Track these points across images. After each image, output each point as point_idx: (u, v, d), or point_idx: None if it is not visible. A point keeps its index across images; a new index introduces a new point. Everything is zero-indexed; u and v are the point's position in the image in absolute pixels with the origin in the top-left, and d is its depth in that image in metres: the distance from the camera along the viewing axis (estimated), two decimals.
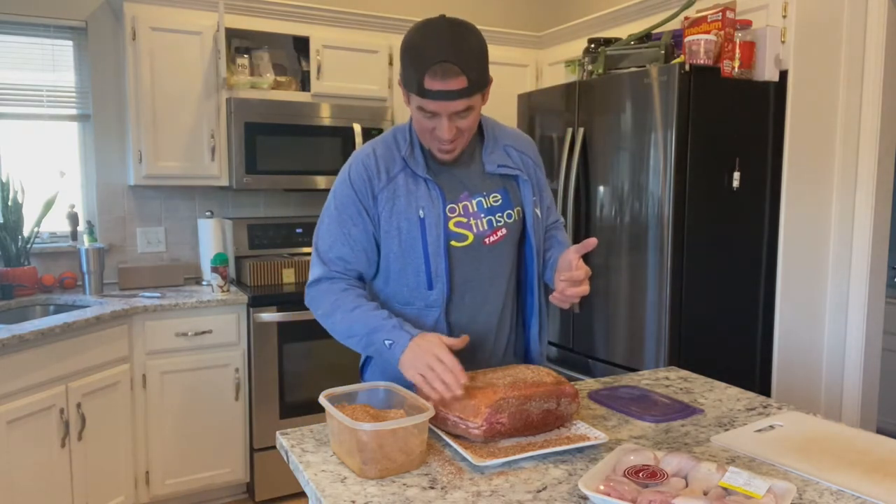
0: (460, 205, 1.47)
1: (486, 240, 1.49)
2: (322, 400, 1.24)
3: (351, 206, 1.46)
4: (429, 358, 1.27)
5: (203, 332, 2.91)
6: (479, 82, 1.34)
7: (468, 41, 1.31)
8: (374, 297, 1.55)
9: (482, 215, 1.49)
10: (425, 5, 3.94)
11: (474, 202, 1.48)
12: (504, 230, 1.51)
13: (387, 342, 1.35)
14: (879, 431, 3.06)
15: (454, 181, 1.48)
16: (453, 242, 1.46)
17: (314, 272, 1.50)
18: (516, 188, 1.53)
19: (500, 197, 1.51)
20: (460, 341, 1.34)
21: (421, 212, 1.43)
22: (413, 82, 1.32)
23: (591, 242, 1.36)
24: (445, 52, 1.29)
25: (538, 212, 1.55)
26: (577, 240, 2.77)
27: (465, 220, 1.47)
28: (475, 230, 1.48)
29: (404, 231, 1.44)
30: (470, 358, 1.52)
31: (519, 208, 1.54)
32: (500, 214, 1.50)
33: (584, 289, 1.38)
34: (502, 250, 1.52)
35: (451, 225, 1.46)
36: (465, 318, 1.52)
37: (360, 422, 1.14)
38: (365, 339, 1.39)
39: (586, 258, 2.72)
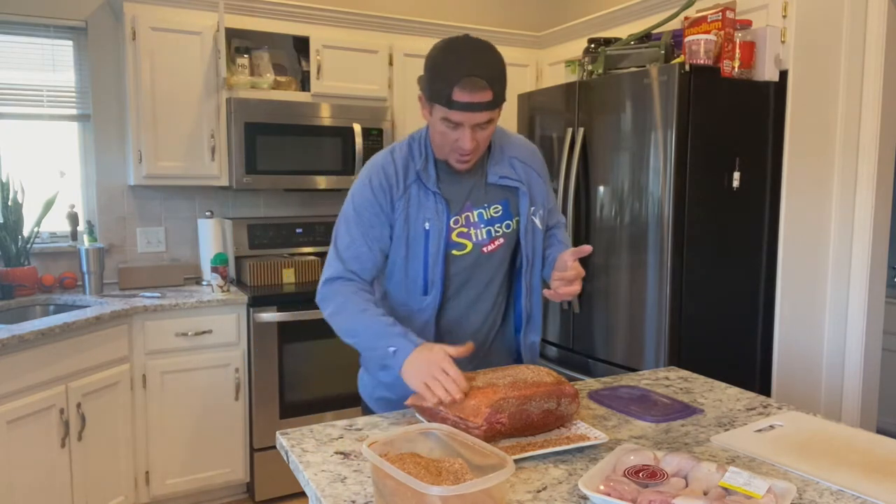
0: (463, 216, 1.56)
1: (484, 249, 1.58)
2: (367, 451, 1.00)
3: (370, 207, 1.53)
4: (434, 369, 1.31)
5: (203, 332, 2.91)
6: (502, 96, 1.43)
7: (494, 58, 1.41)
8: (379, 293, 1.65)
9: (482, 226, 1.58)
10: (425, 5, 3.94)
11: (476, 213, 1.57)
12: (502, 239, 1.60)
13: (391, 349, 1.40)
14: (879, 431, 3.06)
15: (460, 193, 1.56)
16: (454, 252, 1.56)
17: (330, 270, 1.56)
18: (516, 199, 1.61)
19: (500, 208, 1.59)
20: (465, 349, 1.37)
21: (427, 224, 1.52)
22: (441, 95, 1.39)
23: (586, 249, 1.46)
24: (474, 67, 1.37)
25: (537, 221, 1.63)
26: (576, 240, 2.77)
27: (465, 230, 1.56)
28: (474, 239, 1.57)
29: (411, 239, 1.53)
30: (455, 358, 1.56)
31: (518, 218, 1.62)
32: (498, 225, 1.59)
33: (575, 288, 1.48)
34: (498, 257, 1.61)
35: (453, 236, 1.55)
36: (454, 319, 1.61)
37: (412, 475, 0.92)
38: (368, 341, 1.46)
39: (585, 259, 2.74)
